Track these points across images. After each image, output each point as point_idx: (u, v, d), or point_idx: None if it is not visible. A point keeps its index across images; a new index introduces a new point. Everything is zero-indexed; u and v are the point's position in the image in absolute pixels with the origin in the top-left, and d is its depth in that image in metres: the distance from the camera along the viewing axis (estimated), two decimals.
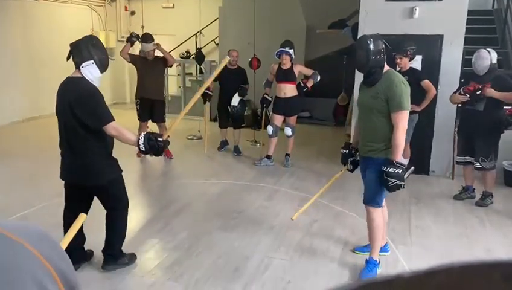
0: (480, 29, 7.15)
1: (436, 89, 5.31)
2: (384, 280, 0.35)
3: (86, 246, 3.43)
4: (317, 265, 3.47)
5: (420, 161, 5.66)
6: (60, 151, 3.19)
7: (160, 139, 2.95)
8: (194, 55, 9.66)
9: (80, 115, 2.94)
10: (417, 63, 5.46)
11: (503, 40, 7.16)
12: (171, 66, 6.78)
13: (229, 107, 6.53)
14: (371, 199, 3.21)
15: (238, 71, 6.60)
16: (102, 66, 3.07)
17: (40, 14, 9.34)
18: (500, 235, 4.13)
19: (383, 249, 3.55)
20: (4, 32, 8.58)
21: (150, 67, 6.18)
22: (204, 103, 6.85)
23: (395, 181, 2.99)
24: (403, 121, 3.02)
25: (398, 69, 5.29)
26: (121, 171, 3.27)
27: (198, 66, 9.10)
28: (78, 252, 3.26)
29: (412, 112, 5.29)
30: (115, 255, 3.32)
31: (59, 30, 9.55)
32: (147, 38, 6.15)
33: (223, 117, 6.85)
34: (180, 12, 10.95)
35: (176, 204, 4.76)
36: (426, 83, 5.18)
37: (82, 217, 2.01)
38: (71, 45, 3.06)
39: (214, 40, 10.25)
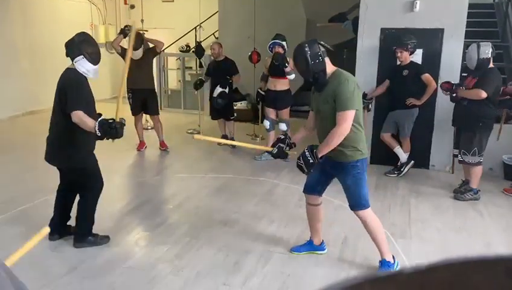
0: (481, 23, 7.13)
1: (437, 82, 5.30)
2: (386, 276, 0.35)
3: None
4: (317, 259, 3.48)
5: (420, 155, 5.67)
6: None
7: (113, 123, 3.16)
8: (193, 49, 9.62)
9: (61, 100, 3.32)
10: (417, 56, 5.44)
11: (504, 34, 7.14)
12: (160, 52, 6.62)
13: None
14: (357, 204, 3.15)
15: (226, 62, 6.60)
16: (93, 59, 3.38)
17: (40, 8, 9.31)
18: (500, 229, 4.14)
19: (319, 247, 3.54)
20: (4, 26, 8.54)
21: (138, 60, 6.14)
22: (196, 89, 6.89)
23: (302, 164, 3.03)
24: (345, 123, 2.90)
25: (398, 62, 5.30)
26: (92, 163, 3.52)
27: (198, 60, 9.07)
28: (60, 227, 3.70)
29: (412, 106, 5.33)
30: (83, 234, 3.58)
31: (59, 24, 9.51)
32: (136, 44, 5.94)
33: (213, 109, 6.88)
34: (180, 5, 10.92)
35: (176, 198, 4.77)
36: (426, 76, 5.18)
37: (45, 231, 2.21)
38: (65, 44, 3.39)
39: (213, 33, 10.21)
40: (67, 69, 3.43)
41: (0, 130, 7.83)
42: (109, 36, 11.13)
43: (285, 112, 6.13)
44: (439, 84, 5.28)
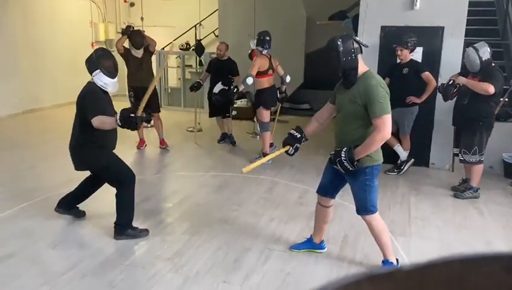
0: (481, 21, 7.12)
1: (437, 81, 5.30)
2: (385, 273, 0.35)
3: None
4: (317, 257, 3.48)
5: (420, 153, 5.67)
6: None
7: (133, 115, 3.35)
8: (193, 47, 9.61)
9: (81, 109, 3.55)
10: (418, 54, 5.44)
11: (504, 32, 7.13)
12: (154, 52, 6.54)
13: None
14: (363, 208, 3.12)
15: (228, 62, 6.64)
16: (110, 72, 3.58)
17: (40, 6, 9.29)
18: (500, 227, 4.14)
19: (319, 246, 3.53)
20: (4, 25, 8.53)
21: (139, 59, 6.21)
22: (191, 91, 6.92)
23: (339, 168, 2.96)
24: (385, 127, 2.82)
25: (398, 60, 5.29)
26: (113, 159, 3.71)
27: (198, 58, 9.07)
28: (71, 206, 4.02)
29: (412, 104, 5.32)
30: (121, 225, 3.70)
31: (58, 22, 9.51)
32: (137, 44, 6.10)
33: (210, 106, 6.88)
34: (180, 3, 10.89)
35: (176, 196, 4.77)
36: (426, 75, 5.17)
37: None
38: (85, 60, 3.63)
39: (213, 31, 10.20)
40: (88, 82, 3.65)
41: (0, 128, 7.82)
42: (109, 34, 11.11)
43: (258, 113, 5.97)
44: (439, 83, 5.27)
